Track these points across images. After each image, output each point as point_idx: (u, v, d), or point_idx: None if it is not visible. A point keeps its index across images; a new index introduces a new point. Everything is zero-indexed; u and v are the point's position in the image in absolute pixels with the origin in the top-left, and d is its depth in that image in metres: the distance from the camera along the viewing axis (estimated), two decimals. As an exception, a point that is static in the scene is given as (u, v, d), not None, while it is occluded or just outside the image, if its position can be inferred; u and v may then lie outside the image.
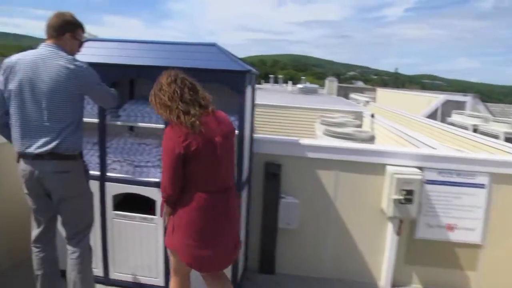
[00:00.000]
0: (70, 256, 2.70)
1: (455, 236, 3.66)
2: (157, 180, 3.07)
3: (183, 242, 2.37)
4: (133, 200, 3.21)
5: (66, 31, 2.60)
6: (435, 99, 18.58)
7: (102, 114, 3.08)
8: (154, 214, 3.16)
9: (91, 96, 2.74)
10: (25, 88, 2.46)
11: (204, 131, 2.27)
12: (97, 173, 3.19)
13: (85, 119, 2.76)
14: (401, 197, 3.49)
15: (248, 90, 2.98)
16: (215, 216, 2.37)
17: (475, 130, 12.05)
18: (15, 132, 2.51)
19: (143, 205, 3.18)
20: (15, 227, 3.45)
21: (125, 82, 3.46)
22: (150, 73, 2.85)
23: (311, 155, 3.68)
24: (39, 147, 2.47)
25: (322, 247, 3.84)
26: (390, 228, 3.70)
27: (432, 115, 16.27)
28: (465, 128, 11.61)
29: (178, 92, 2.29)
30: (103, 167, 3.18)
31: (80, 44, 2.74)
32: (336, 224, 3.78)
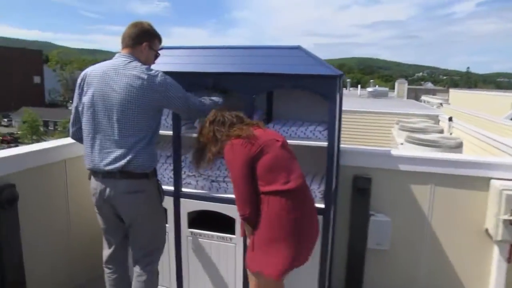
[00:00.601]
0: (136, 279, 2.52)
1: None
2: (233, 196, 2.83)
3: (268, 257, 2.23)
4: (210, 217, 2.97)
5: (144, 40, 2.44)
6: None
7: (176, 126, 2.87)
8: (233, 233, 2.90)
9: (170, 109, 2.55)
10: (97, 100, 2.31)
11: (258, 134, 2.28)
12: (171, 188, 2.98)
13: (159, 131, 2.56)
14: (510, 218, 2.95)
15: (338, 96, 2.64)
16: (299, 217, 2.24)
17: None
18: (86, 147, 2.38)
19: (220, 223, 2.93)
20: (92, 242, 3.36)
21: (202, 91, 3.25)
22: (228, 80, 2.60)
23: (404, 167, 3.25)
24: (109, 164, 2.29)
25: (415, 270, 3.38)
26: (496, 253, 3.16)
27: (519, 117, 14.78)
28: None
29: (220, 122, 2.40)
30: (177, 182, 2.96)
31: (156, 55, 2.56)
32: (432, 245, 3.31)
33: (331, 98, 2.55)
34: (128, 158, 2.28)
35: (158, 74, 2.35)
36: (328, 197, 2.71)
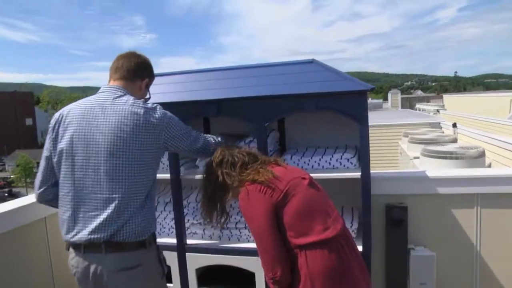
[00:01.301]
0: None
1: None
2: (252, 245, 2.33)
3: None
4: (223, 270, 2.47)
5: (145, 76, 1.98)
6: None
7: (174, 167, 2.40)
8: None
9: (171, 151, 2.02)
10: (77, 146, 1.75)
11: (278, 174, 1.81)
12: (173, 241, 2.49)
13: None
14: None
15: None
16: (347, 269, 1.75)
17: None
18: (62, 210, 1.80)
19: (236, 275, 2.43)
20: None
21: (199, 120, 2.77)
22: (234, 107, 2.14)
23: (443, 190, 2.77)
24: (93, 232, 1.71)
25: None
26: None
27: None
28: None
29: (230, 163, 1.93)
30: (180, 233, 2.47)
31: (147, 98, 2.05)
32: (485, 280, 2.80)
33: (362, 118, 2.09)
34: (119, 222, 1.72)
35: (156, 107, 1.84)
36: (367, 237, 2.23)
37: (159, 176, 2.33)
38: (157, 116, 1.81)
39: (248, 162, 1.91)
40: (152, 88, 2.10)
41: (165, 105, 1.97)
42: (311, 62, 2.35)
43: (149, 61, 2.00)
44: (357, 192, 2.28)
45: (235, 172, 1.89)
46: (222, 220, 2.02)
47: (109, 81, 1.93)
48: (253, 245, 2.37)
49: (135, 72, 1.92)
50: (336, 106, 2.12)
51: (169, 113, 1.88)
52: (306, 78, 2.19)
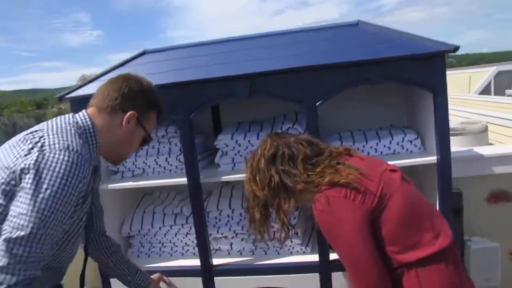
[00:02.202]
0: None
1: None
2: (298, 259, 1.84)
3: None
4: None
5: (130, 106, 1.30)
6: (479, 73, 16.89)
7: (192, 167, 1.81)
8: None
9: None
10: None
11: (365, 171, 1.32)
12: (194, 263, 1.93)
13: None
14: None
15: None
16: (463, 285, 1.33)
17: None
18: None
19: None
20: None
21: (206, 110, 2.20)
22: (275, 83, 1.62)
23: (500, 169, 2.36)
24: None
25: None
26: None
27: (485, 91, 14.56)
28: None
29: (287, 158, 1.40)
30: (205, 252, 1.90)
31: (146, 139, 1.40)
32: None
33: (441, 89, 1.60)
34: None
35: (57, 152, 1.09)
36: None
37: (161, 181, 1.81)
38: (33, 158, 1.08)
39: (312, 155, 1.39)
40: (142, 68, 1.49)
41: (181, 86, 1.39)
42: (357, 24, 1.83)
43: (145, 86, 1.35)
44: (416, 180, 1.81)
45: (296, 170, 1.37)
46: (283, 235, 1.49)
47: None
48: (299, 258, 1.89)
49: (116, 99, 1.29)
50: (408, 75, 1.61)
51: (61, 177, 1.07)
52: (360, 42, 1.68)
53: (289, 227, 1.49)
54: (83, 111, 1.28)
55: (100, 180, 1.44)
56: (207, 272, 1.90)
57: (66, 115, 1.26)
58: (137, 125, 1.33)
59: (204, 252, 1.88)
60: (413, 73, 1.61)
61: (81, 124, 1.23)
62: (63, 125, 1.19)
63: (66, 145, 1.10)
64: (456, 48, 1.56)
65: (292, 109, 2.04)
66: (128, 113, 1.29)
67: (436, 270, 1.26)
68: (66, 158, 1.08)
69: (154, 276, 1.70)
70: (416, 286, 1.27)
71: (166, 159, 1.99)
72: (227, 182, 2.13)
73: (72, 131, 1.18)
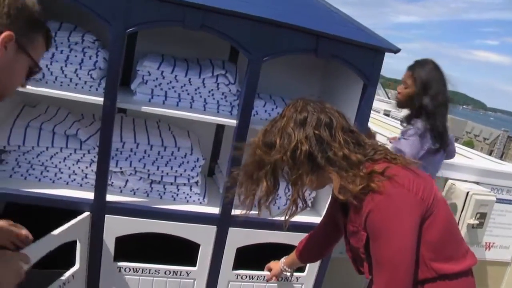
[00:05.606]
0: None
1: (490, 255, 3.18)
2: (196, 208, 1.84)
3: None
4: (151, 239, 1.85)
5: (6, 26, 0.95)
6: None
7: (112, 88, 1.60)
8: (193, 263, 1.90)
9: None
10: None
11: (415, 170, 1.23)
12: (83, 195, 1.76)
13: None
14: (475, 222, 2.82)
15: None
16: None
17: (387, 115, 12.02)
18: None
19: (167, 247, 1.85)
20: None
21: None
22: (228, 24, 1.56)
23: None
24: None
25: None
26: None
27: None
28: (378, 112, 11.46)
29: (324, 123, 1.19)
30: (101, 186, 1.72)
31: (33, 69, 1.08)
32: None
33: (374, 81, 1.75)
34: None
35: None
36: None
37: (66, 93, 1.66)
38: None
39: (349, 128, 1.24)
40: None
41: None
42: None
43: (26, 2, 0.99)
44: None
45: (336, 143, 1.18)
46: (289, 212, 1.31)
47: None
48: (196, 208, 1.85)
49: None
50: (350, 59, 1.69)
51: None
52: (318, 14, 1.70)
53: (303, 204, 1.31)
54: None
55: None
56: (101, 209, 1.73)
57: None
58: (19, 50, 1.02)
59: (102, 185, 1.71)
60: (356, 58, 1.69)
61: None
62: None
63: None
64: (398, 50, 1.71)
65: (217, 57, 1.97)
66: (3, 34, 0.95)
67: (466, 285, 1.25)
68: None
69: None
70: None
71: (76, 70, 1.72)
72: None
73: None
